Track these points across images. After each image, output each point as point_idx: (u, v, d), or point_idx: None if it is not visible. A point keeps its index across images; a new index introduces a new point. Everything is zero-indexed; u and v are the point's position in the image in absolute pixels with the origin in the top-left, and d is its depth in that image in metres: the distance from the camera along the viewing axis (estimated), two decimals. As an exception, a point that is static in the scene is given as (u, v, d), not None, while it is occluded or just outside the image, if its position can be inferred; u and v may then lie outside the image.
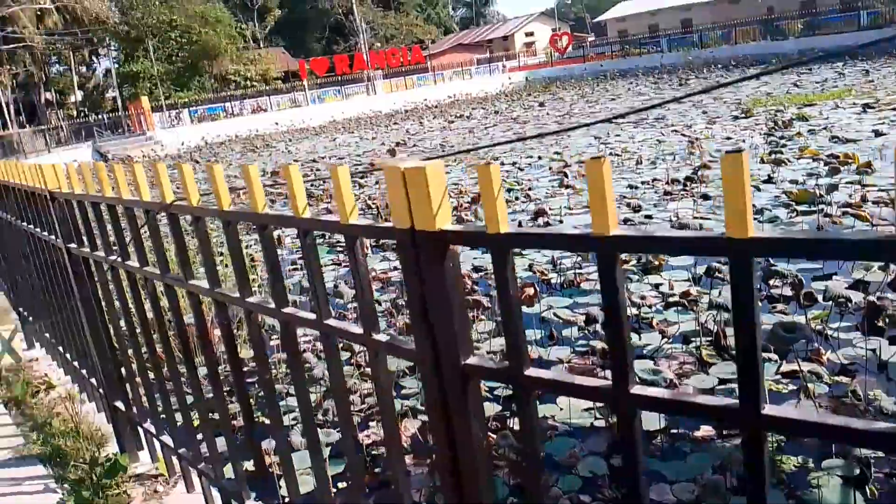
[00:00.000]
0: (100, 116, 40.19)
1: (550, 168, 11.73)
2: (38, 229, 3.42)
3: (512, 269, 1.15)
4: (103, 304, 2.96)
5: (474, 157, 14.48)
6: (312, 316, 1.65)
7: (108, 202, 2.48)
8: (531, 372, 1.17)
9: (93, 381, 3.41)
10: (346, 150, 20.90)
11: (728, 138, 12.64)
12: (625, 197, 8.97)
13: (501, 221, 1.11)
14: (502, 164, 13.12)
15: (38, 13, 38.98)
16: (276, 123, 36.67)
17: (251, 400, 2.47)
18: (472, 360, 1.25)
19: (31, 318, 4.77)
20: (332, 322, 1.60)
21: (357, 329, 1.51)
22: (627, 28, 56.80)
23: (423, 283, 1.24)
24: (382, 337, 1.46)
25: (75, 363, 3.68)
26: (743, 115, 15.52)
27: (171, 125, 35.43)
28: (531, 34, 64.66)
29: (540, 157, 13.14)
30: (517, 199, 9.65)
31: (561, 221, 8.11)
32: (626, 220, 7.53)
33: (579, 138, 15.22)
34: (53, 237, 3.17)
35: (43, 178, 2.95)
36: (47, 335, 4.27)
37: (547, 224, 8.00)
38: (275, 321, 2.07)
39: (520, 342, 1.17)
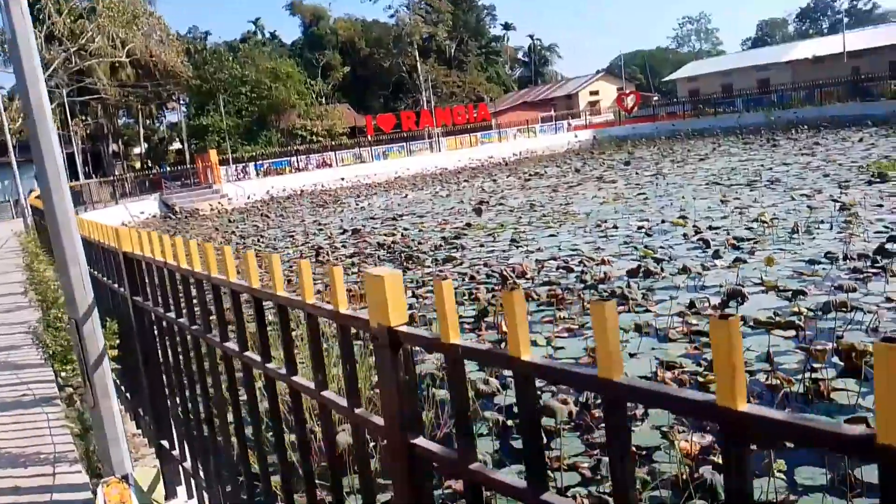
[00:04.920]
0: (162, 168, 40.23)
1: (685, 235, 10.16)
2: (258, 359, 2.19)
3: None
4: None
5: (580, 220, 13.04)
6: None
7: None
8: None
9: None
10: (423, 207, 19.69)
11: (879, 205, 11.01)
12: (802, 274, 7.41)
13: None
14: (615, 227, 11.65)
15: (116, 65, 39.64)
16: (342, 178, 36.12)
17: None
18: None
19: (183, 462, 3.22)
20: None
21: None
22: (699, 87, 55.30)
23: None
24: None
25: None
26: (878, 180, 13.80)
27: (237, 179, 35.05)
28: (596, 93, 63.78)
29: (663, 221, 11.61)
30: (662, 270, 8.12)
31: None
32: (843, 305, 5.91)
33: (699, 200, 13.64)
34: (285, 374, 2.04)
35: (336, 298, 1.68)
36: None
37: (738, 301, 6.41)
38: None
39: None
